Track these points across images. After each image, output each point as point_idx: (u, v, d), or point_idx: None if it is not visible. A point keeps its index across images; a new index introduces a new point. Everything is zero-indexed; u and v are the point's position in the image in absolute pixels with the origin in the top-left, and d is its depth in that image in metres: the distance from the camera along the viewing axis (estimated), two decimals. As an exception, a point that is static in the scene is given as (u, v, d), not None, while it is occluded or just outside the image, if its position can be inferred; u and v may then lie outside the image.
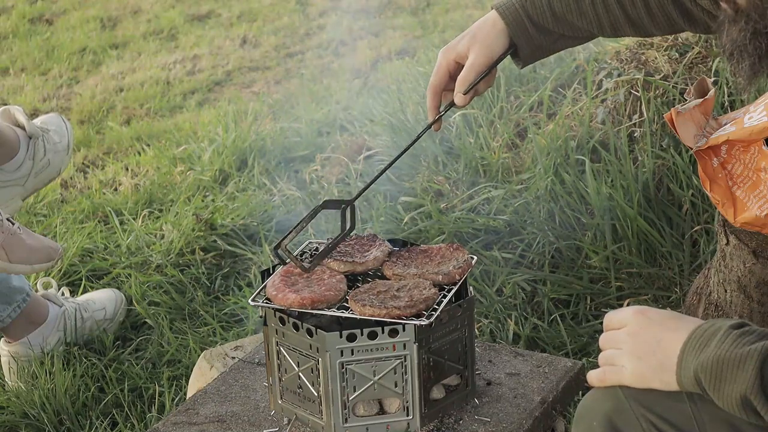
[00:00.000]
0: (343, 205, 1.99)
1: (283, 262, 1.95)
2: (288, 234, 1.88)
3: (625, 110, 3.06)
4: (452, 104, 2.01)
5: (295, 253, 2.06)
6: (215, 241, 3.29)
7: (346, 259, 1.99)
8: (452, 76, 2.01)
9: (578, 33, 1.99)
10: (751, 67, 1.58)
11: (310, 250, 2.11)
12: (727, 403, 1.36)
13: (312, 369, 1.89)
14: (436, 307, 1.87)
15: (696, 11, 1.88)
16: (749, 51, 1.57)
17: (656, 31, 1.98)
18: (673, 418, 1.44)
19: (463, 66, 1.99)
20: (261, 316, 1.98)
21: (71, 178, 3.98)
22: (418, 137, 2.04)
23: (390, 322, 1.84)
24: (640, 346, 1.45)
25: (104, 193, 3.76)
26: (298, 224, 1.90)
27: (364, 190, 2.03)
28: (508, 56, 2.02)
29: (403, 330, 1.86)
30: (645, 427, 1.44)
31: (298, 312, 1.90)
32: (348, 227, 1.99)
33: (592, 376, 1.50)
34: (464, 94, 1.97)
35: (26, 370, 2.72)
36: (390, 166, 2.03)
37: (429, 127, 2.03)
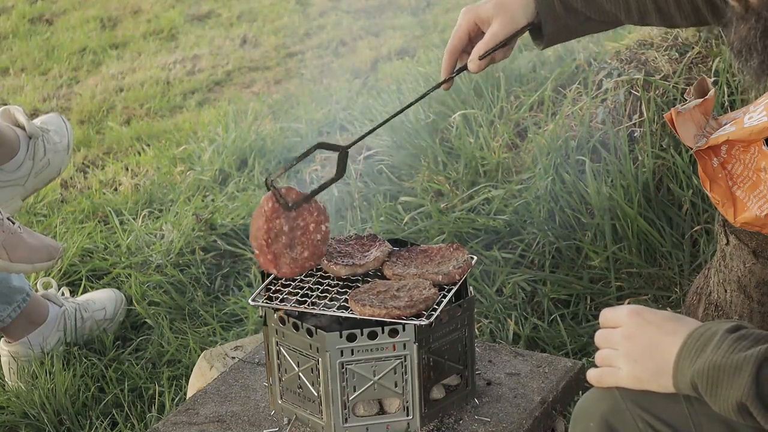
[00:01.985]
0: (340, 150, 1.96)
1: (275, 195, 1.90)
2: (281, 170, 1.88)
3: (625, 110, 3.06)
4: (465, 68, 1.98)
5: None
6: (215, 241, 3.29)
7: (347, 262, 1.99)
8: (471, 39, 1.99)
9: (605, 17, 1.95)
10: (759, 65, 1.58)
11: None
12: (724, 408, 1.36)
13: (312, 369, 1.89)
14: (436, 307, 1.87)
15: (719, 1, 1.86)
16: (759, 49, 1.57)
17: (682, 21, 1.94)
18: (670, 419, 1.44)
19: (482, 32, 1.96)
20: (261, 316, 1.98)
21: (71, 178, 3.98)
22: (427, 93, 2.02)
23: (390, 322, 1.84)
24: (636, 349, 1.45)
25: (104, 193, 3.76)
26: (292, 160, 1.90)
27: (361, 138, 2.02)
28: (529, 37, 1.99)
29: (403, 330, 1.86)
30: (641, 427, 1.45)
31: (298, 312, 1.90)
32: (335, 174, 1.96)
33: (590, 376, 1.51)
34: (480, 59, 1.94)
35: (26, 370, 2.72)
36: (393, 116, 2.02)
37: (439, 85, 2.01)
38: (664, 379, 1.42)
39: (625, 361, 1.45)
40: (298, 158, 1.90)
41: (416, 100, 2.04)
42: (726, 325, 1.39)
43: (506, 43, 1.95)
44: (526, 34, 2.00)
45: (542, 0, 1.94)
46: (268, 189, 1.89)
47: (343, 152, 1.96)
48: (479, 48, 1.95)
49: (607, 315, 1.51)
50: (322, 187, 1.96)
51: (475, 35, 1.99)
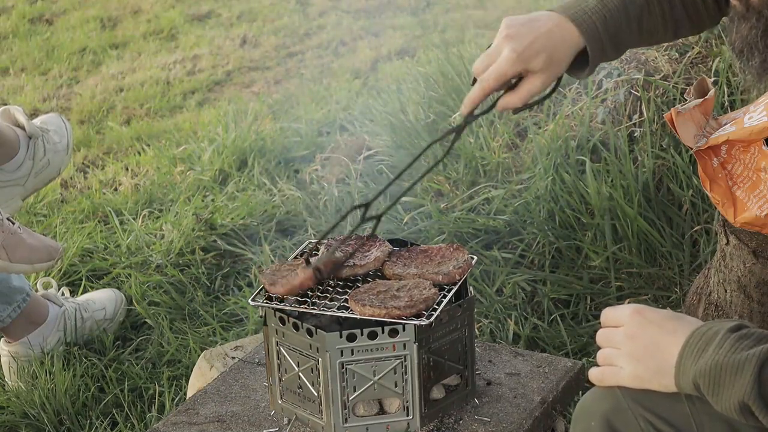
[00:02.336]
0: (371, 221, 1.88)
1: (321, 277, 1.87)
2: (325, 256, 1.87)
3: (625, 110, 3.06)
4: (490, 109, 1.85)
5: (295, 254, 2.07)
6: (215, 241, 3.29)
7: (347, 263, 1.99)
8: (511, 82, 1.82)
9: (642, 42, 1.87)
10: (761, 64, 1.58)
11: (310, 250, 2.10)
12: (726, 407, 1.36)
13: (312, 369, 1.89)
14: (436, 307, 1.87)
15: None
16: (760, 48, 1.56)
17: (710, 23, 1.88)
18: (671, 418, 1.44)
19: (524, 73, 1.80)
20: (261, 316, 1.98)
21: (71, 178, 3.98)
22: (445, 135, 1.86)
23: (390, 322, 1.84)
24: (638, 348, 1.45)
25: (104, 193, 3.76)
26: (333, 243, 1.95)
27: (392, 205, 1.94)
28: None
29: (403, 330, 1.86)
30: (643, 426, 1.45)
31: (298, 312, 1.90)
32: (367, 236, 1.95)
33: (592, 375, 1.51)
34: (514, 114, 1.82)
35: (26, 370, 2.72)
36: (427, 172, 1.97)
37: (462, 129, 1.84)
38: (666, 378, 1.42)
39: (626, 361, 1.45)
40: (339, 240, 1.93)
41: (455, 138, 1.84)
42: (728, 324, 1.39)
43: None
44: None
45: (593, 42, 1.78)
46: (312, 268, 1.83)
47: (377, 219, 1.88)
48: (515, 101, 1.80)
49: (608, 314, 1.51)
50: (352, 254, 1.95)
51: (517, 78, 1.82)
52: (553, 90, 1.84)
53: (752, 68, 1.59)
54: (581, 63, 1.83)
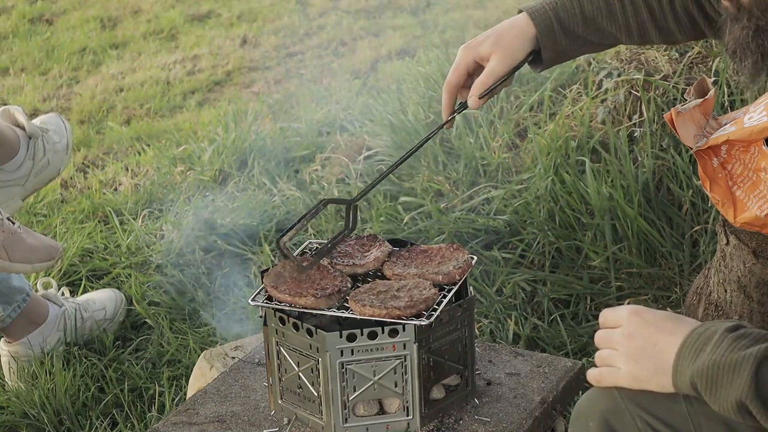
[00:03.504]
0: (347, 204, 1.97)
1: (284, 257, 1.95)
2: (288, 230, 1.89)
3: (625, 110, 3.06)
4: (465, 105, 1.98)
5: (295, 253, 2.07)
6: (215, 241, 3.29)
7: (347, 263, 1.99)
8: (470, 75, 1.98)
9: (604, 39, 1.97)
10: (753, 65, 1.58)
11: (310, 250, 2.11)
12: (723, 407, 1.36)
13: (312, 369, 1.89)
14: (436, 307, 1.87)
15: (713, 13, 1.87)
16: (752, 49, 1.57)
17: (681, 37, 1.96)
18: (669, 419, 1.44)
19: (482, 66, 1.96)
20: (261, 316, 1.98)
21: (71, 178, 3.98)
22: (429, 137, 2.01)
23: (390, 322, 1.84)
24: (636, 349, 1.45)
25: (104, 193, 3.76)
26: (299, 221, 1.91)
27: (366, 190, 2.01)
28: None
29: (403, 330, 1.86)
30: (641, 427, 1.45)
31: (298, 312, 1.90)
32: (349, 227, 1.99)
33: (590, 375, 1.51)
34: (480, 98, 1.94)
35: (26, 370, 2.72)
36: (395, 167, 2.01)
37: (441, 127, 2.00)
38: (664, 378, 1.42)
39: (624, 361, 1.45)
40: (305, 217, 1.91)
41: (419, 145, 2.01)
42: (725, 324, 1.39)
43: (505, 78, 1.95)
44: None
45: (544, 29, 1.93)
46: (281, 252, 1.91)
47: (350, 206, 1.97)
48: (478, 87, 1.94)
49: (607, 315, 1.51)
50: (334, 243, 1.99)
51: (473, 71, 1.98)
52: (511, 73, 1.95)
53: (745, 69, 1.60)
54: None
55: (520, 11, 1.97)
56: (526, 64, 2.00)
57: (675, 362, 1.40)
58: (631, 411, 1.45)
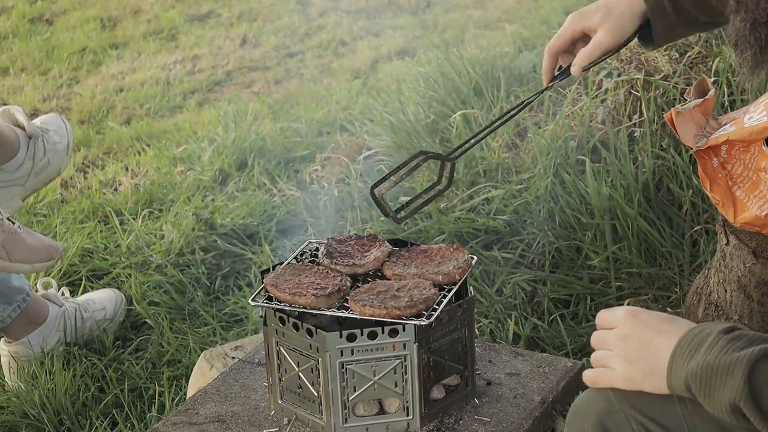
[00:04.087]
0: (442, 159, 1.93)
1: (378, 206, 1.89)
2: (382, 180, 1.87)
3: (625, 110, 3.06)
4: (567, 72, 1.96)
5: (294, 254, 2.07)
6: (215, 241, 3.29)
7: (347, 263, 1.99)
8: (574, 43, 1.96)
9: (713, 17, 1.92)
10: (753, 58, 1.59)
11: (310, 251, 2.11)
12: (717, 409, 1.36)
13: (312, 369, 1.89)
14: (436, 307, 1.87)
15: None
16: (750, 42, 1.57)
17: None
18: (664, 420, 1.44)
19: (588, 36, 1.94)
20: (261, 316, 1.98)
21: (71, 178, 3.98)
22: (528, 102, 1.98)
23: (390, 322, 1.84)
24: (631, 350, 1.45)
25: (104, 193, 3.76)
26: (394, 171, 1.87)
27: (465, 149, 1.97)
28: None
29: (403, 330, 1.86)
30: (635, 428, 1.45)
31: (298, 312, 1.90)
32: (443, 184, 1.93)
33: (585, 376, 1.51)
34: (584, 70, 1.92)
35: (26, 370, 2.72)
36: (495, 128, 1.99)
37: (543, 91, 2.00)
38: (658, 379, 1.42)
39: (619, 362, 1.45)
40: (401, 168, 1.87)
41: (520, 107, 1.99)
42: (720, 326, 1.39)
43: (613, 53, 1.94)
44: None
45: (653, 2, 1.90)
46: (376, 202, 1.88)
47: (445, 161, 1.94)
48: (584, 57, 1.92)
49: (603, 317, 1.51)
50: (428, 201, 1.95)
51: (578, 39, 1.96)
52: (622, 46, 1.93)
53: (746, 61, 1.60)
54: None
55: None
56: (637, 41, 1.97)
57: (669, 363, 1.40)
58: (625, 412, 1.45)
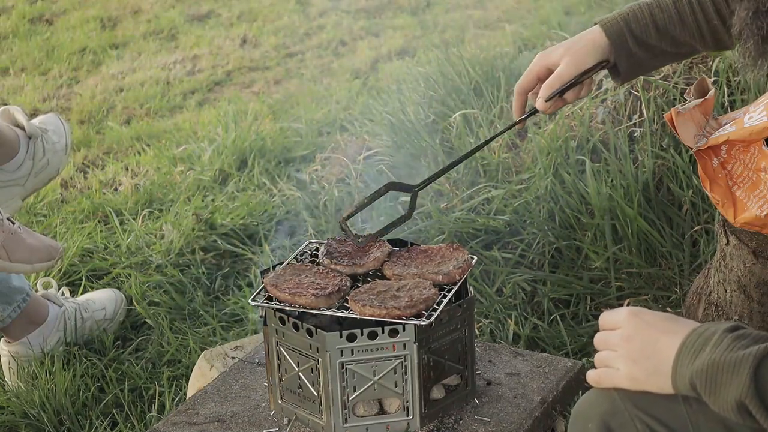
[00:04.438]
0: (413, 189, 2.06)
1: (343, 233, 2.03)
2: (351, 212, 2.02)
3: (625, 110, 3.06)
4: (535, 109, 2.05)
5: (294, 254, 2.08)
6: (215, 241, 3.29)
7: (347, 263, 2.00)
8: (540, 81, 2.05)
9: (680, 48, 2.01)
10: (755, 48, 1.60)
11: (310, 251, 2.11)
12: (723, 407, 1.36)
13: (312, 369, 1.89)
14: (436, 307, 1.87)
15: None
16: (753, 30, 1.58)
17: None
18: (668, 420, 1.44)
19: (552, 72, 2.03)
20: (261, 316, 1.98)
21: (71, 178, 3.98)
22: (500, 133, 2.13)
23: (390, 322, 1.84)
24: (634, 349, 1.45)
25: (104, 193, 3.76)
26: (361, 202, 2.02)
27: (431, 179, 2.08)
28: (606, 71, 2.06)
29: (403, 330, 1.86)
30: (640, 428, 1.45)
31: (298, 312, 1.90)
32: (406, 214, 2.07)
33: (589, 377, 1.51)
34: (546, 101, 2.00)
35: (26, 370, 2.72)
36: (461, 161, 2.12)
37: (512, 126, 2.09)
38: (662, 379, 1.42)
39: (623, 362, 1.45)
40: (369, 199, 2.02)
41: (486, 142, 2.13)
42: (725, 324, 1.39)
43: (574, 84, 2.00)
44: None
45: (616, 40, 1.99)
46: (342, 229, 2.02)
47: (414, 193, 2.06)
48: (545, 89, 2.01)
49: (606, 318, 1.51)
50: (392, 226, 2.07)
51: (543, 77, 2.05)
52: (578, 78, 2.01)
53: (748, 51, 1.61)
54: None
55: (595, 23, 2.03)
56: (609, 76, 2.04)
57: (674, 362, 1.40)
58: (630, 412, 1.45)
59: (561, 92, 2.00)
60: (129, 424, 2.53)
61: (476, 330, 2.51)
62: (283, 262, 2.04)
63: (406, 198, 3.18)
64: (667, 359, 1.41)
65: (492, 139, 2.11)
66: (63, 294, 2.93)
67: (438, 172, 2.10)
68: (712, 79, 2.93)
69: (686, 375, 1.38)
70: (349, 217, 2.01)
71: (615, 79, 2.07)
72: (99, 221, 3.53)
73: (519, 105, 2.08)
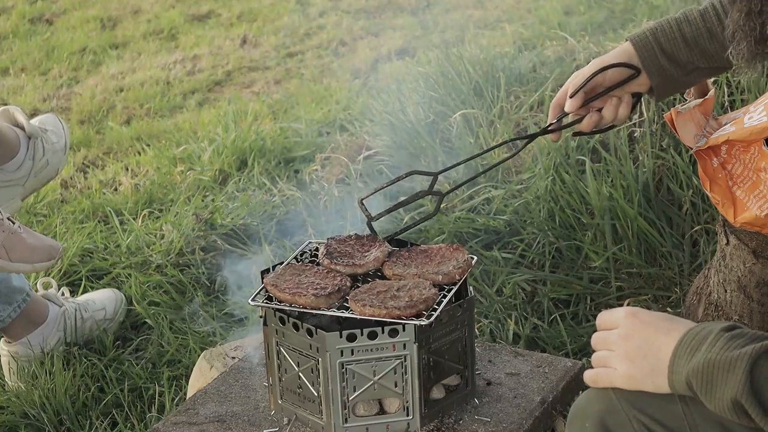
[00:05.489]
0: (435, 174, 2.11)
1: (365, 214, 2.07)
2: (372, 191, 2.07)
3: (625, 110, 3.05)
4: (564, 113, 2.06)
5: (294, 254, 2.08)
6: (215, 241, 3.29)
7: (347, 263, 2.00)
8: None
9: (711, 62, 2.00)
10: (748, 49, 1.60)
11: (310, 251, 2.11)
12: (719, 406, 1.36)
13: (312, 369, 1.89)
14: (436, 307, 1.87)
15: None
16: (746, 31, 1.58)
17: None
18: (665, 419, 1.44)
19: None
20: (261, 316, 1.98)
21: (71, 178, 3.98)
22: (534, 137, 2.13)
23: (390, 322, 1.84)
24: (632, 349, 1.45)
25: (104, 193, 3.76)
26: (382, 186, 2.06)
27: (454, 166, 2.15)
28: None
29: (403, 330, 1.86)
30: (637, 428, 1.45)
31: (298, 312, 1.90)
32: (433, 213, 2.15)
33: (587, 376, 1.51)
34: (570, 98, 2.02)
35: (26, 370, 2.72)
36: (481, 154, 2.23)
37: (545, 131, 2.11)
38: (659, 378, 1.42)
39: (620, 362, 1.46)
40: (389, 182, 2.08)
41: (526, 142, 2.16)
42: (721, 324, 1.40)
43: (603, 92, 2.02)
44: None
45: (641, 47, 2.01)
46: (361, 209, 2.06)
47: (435, 178, 2.11)
48: (569, 85, 2.04)
49: (603, 317, 1.51)
50: (415, 224, 2.15)
51: None
52: (604, 69, 2.03)
53: (742, 52, 1.61)
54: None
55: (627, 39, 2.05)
56: (646, 95, 2.06)
57: (671, 362, 1.40)
58: (627, 411, 1.45)
59: (582, 86, 2.01)
60: (129, 424, 2.53)
61: (476, 330, 2.51)
62: (283, 262, 2.04)
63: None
64: (664, 359, 1.41)
65: (531, 139, 2.13)
66: (63, 294, 2.93)
67: (462, 161, 2.15)
68: (712, 79, 2.93)
69: (682, 374, 1.39)
70: (367, 197, 2.05)
71: (651, 96, 2.08)
72: (99, 221, 3.53)
73: (553, 115, 2.10)
